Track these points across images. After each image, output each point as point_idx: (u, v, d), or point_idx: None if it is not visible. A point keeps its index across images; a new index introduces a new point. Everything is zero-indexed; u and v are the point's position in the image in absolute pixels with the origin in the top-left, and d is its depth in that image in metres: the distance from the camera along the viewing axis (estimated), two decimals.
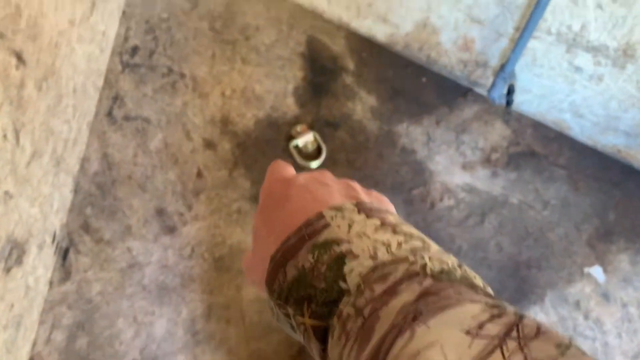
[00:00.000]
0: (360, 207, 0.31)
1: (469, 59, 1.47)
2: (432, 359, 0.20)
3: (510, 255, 1.41)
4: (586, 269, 1.41)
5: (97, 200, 1.41)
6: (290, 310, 0.28)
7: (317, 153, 1.49)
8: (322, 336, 0.27)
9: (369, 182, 1.43)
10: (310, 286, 0.27)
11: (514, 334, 0.21)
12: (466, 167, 1.49)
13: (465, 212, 1.45)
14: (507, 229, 1.43)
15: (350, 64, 1.59)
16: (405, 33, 1.52)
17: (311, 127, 1.50)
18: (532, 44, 1.30)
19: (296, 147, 1.48)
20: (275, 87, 1.55)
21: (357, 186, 0.37)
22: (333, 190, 0.34)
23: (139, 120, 1.50)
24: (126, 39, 1.58)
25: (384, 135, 1.51)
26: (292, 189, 0.35)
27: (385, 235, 0.29)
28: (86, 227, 1.38)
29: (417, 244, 0.29)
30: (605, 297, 1.38)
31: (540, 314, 1.36)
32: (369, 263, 0.26)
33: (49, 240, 1.29)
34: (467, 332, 0.21)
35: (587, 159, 1.51)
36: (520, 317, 0.22)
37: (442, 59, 1.53)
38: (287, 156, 1.47)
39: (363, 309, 0.24)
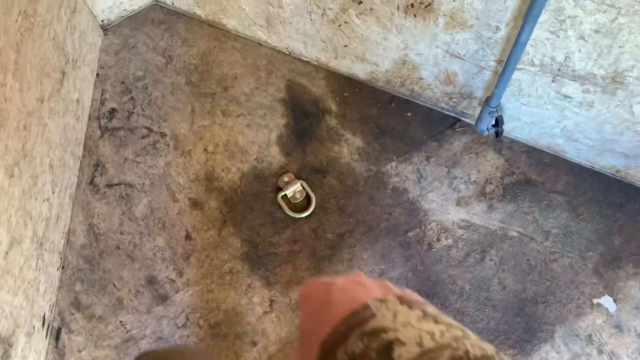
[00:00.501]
0: (402, 300, 0.33)
1: (453, 91, 1.42)
2: None
3: (514, 293, 1.36)
4: (595, 300, 1.35)
5: (86, 275, 1.38)
6: None
7: (306, 202, 1.45)
8: None
9: (363, 228, 1.39)
10: None
11: None
12: (461, 202, 1.44)
13: (464, 250, 1.40)
14: (509, 265, 1.38)
15: (333, 105, 1.54)
16: (385, 70, 1.47)
17: (298, 176, 1.46)
18: (517, 75, 1.26)
19: (284, 197, 1.44)
20: (259, 137, 1.51)
21: (390, 284, 0.39)
22: (371, 288, 0.37)
23: (123, 186, 1.46)
24: (102, 102, 1.55)
25: (373, 177, 1.47)
26: (332, 292, 0.37)
27: (429, 325, 0.31)
28: (77, 304, 1.35)
29: (458, 332, 0.31)
30: (619, 328, 1.33)
31: (552, 353, 1.31)
32: (416, 349, 0.29)
33: (38, 324, 1.26)
34: None
35: (586, 181, 1.45)
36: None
37: (426, 92, 1.49)
38: (276, 209, 1.44)
39: None
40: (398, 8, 1.22)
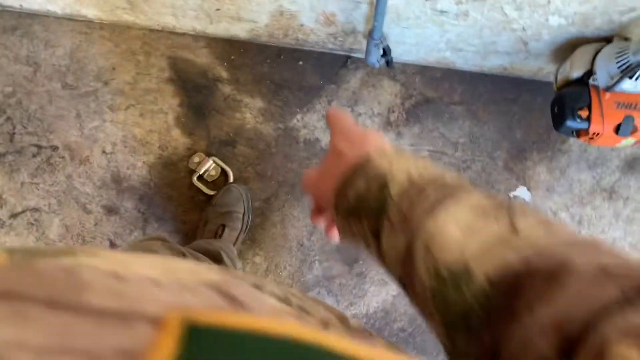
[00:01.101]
0: (398, 151, 0.43)
1: (336, 31, 1.41)
2: (449, 229, 0.32)
3: None
4: (512, 193, 1.45)
5: None
6: (354, 220, 0.40)
7: (224, 177, 1.43)
8: (376, 235, 0.38)
9: (286, 187, 1.39)
10: (365, 203, 0.39)
11: (506, 205, 0.34)
12: None
13: None
14: None
15: (223, 72, 1.50)
16: (264, 25, 1.43)
17: (208, 153, 1.43)
18: (392, 2, 1.26)
19: (200, 178, 1.42)
20: (156, 124, 1.45)
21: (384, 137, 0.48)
22: (373, 139, 0.45)
23: (28, 213, 1.38)
24: None
25: (283, 135, 1.46)
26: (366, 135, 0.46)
27: (416, 163, 0.40)
28: None
29: (438, 170, 0.39)
30: None
31: None
32: (405, 182, 0.38)
33: None
34: (473, 208, 0.33)
35: (479, 86, 1.52)
36: (506, 197, 0.35)
37: (311, 38, 1.47)
38: (196, 192, 1.41)
39: (404, 211, 0.36)
40: None
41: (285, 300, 0.30)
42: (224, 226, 1.29)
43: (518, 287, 0.28)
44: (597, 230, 1.43)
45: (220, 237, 1.28)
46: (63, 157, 1.41)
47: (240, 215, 1.33)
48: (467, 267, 0.30)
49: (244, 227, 1.34)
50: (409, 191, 0.37)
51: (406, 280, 0.36)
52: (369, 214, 0.39)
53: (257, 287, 0.30)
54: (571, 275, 0.26)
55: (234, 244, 1.29)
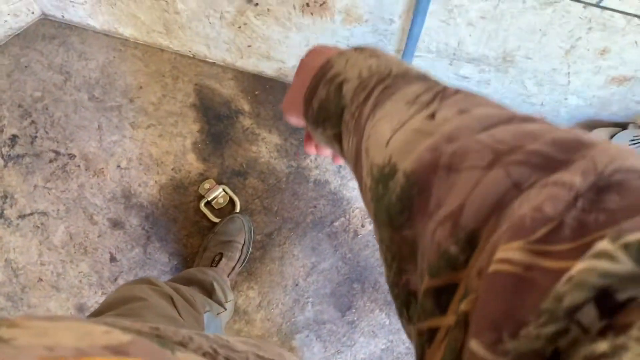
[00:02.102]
0: (358, 49, 0.42)
1: None
2: (382, 127, 0.32)
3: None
4: None
5: (10, 313, 1.33)
6: (320, 128, 0.41)
7: (231, 207, 1.45)
8: (339, 140, 0.40)
9: (290, 225, 1.41)
10: (326, 110, 0.40)
11: (439, 95, 0.31)
12: None
13: None
14: None
15: (245, 105, 1.54)
16: (292, 66, 1.48)
17: (219, 181, 1.46)
18: (417, 62, 1.30)
19: (208, 204, 1.44)
20: (173, 146, 1.49)
21: None
22: (338, 47, 0.46)
23: (36, 215, 1.41)
24: (1, 129, 1.47)
25: (294, 173, 1.49)
26: (313, 56, 0.46)
27: (370, 60, 0.39)
28: None
29: (390, 63, 0.39)
30: None
31: None
32: (357, 81, 0.38)
33: None
34: (407, 102, 0.32)
35: None
36: (445, 87, 0.33)
37: None
38: (201, 217, 1.43)
39: (354, 113, 0.36)
40: (294, 7, 1.22)
41: (211, 355, 0.31)
42: (221, 255, 1.30)
43: (430, 179, 0.26)
44: None
45: (216, 265, 1.28)
46: (78, 166, 1.45)
47: (240, 246, 1.34)
48: (392, 164, 0.29)
49: (242, 259, 1.35)
50: (358, 91, 0.37)
51: (359, 181, 0.36)
52: (331, 118, 0.39)
53: (182, 344, 0.31)
54: (466, 161, 0.24)
55: (229, 274, 1.30)
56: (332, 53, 0.42)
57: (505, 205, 0.21)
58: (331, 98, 0.39)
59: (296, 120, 0.48)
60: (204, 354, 0.31)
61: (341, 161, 0.48)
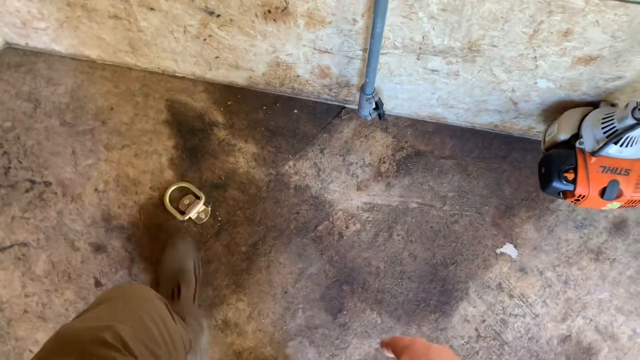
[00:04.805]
0: None
1: (331, 83, 1.45)
2: None
3: (425, 261, 1.43)
4: (498, 250, 1.46)
5: None
6: None
7: (212, 220, 1.44)
8: None
9: (274, 233, 1.40)
10: None
11: None
12: (361, 187, 1.49)
13: (372, 231, 1.45)
14: (415, 235, 1.45)
15: (219, 117, 1.53)
16: (262, 73, 1.47)
17: (198, 196, 1.44)
18: (384, 59, 1.30)
19: (190, 221, 1.43)
20: (149, 165, 1.47)
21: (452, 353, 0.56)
22: (446, 351, 0.54)
23: (16, 247, 1.39)
24: None
25: (274, 180, 1.48)
26: (431, 349, 0.55)
27: None
28: None
29: None
30: (523, 270, 1.44)
31: (469, 308, 1.40)
32: None
33: None
34: None
35: (470, 141, 1.54)
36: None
37: (306, 88, 1.50)
38: (184, 233, 1.42)
39: None
40: (257, 16, 1.22)
41: None
42: (179, 286, 1.25)
43: None
44: (583, 292, 1.42)
45: (178, 297, 1.23)
46: (55, 193, 1.43)
47: (192, 270, 1.30)
48: None
49: (199, 280, 1.32)
50: None
51: None
52: None
53: None
54: None
55: (194, 300, 1.26)
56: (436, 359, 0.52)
57: None
58: None
59: None
60: None
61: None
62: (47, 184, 1.44)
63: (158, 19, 1.30)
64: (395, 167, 1.51)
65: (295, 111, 1.54)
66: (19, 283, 1.36)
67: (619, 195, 1.25)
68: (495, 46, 1.18)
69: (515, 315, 1.40)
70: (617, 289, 1.43)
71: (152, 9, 1.27)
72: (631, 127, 1.15)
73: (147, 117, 1.51)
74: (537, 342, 1.38)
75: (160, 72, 1.55)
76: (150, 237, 1.41)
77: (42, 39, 1.49)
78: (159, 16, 1.29)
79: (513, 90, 1.34)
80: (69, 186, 1.44)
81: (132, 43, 1.43)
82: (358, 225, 1.46)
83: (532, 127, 1.50)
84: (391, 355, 0.61)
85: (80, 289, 1.36)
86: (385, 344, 0.62)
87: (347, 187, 1.49)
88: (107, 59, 1.54)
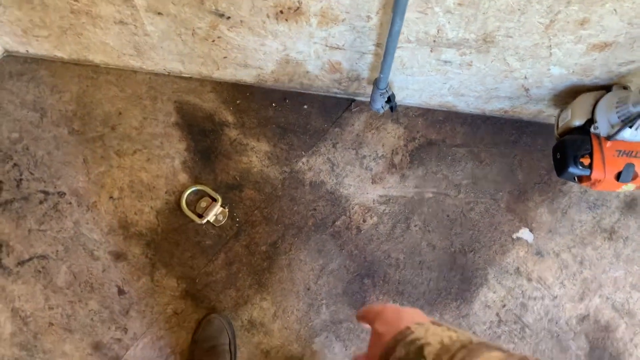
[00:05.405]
0: (434, 322, 0.52)
1: (341, 77, 1.44)
2: None
3: (444, 250, 1.45)
4: (515, 235, 1.48)
5: None
6: None
7: (231, 221, 1.44)
8: None
9: (293, 231, 1.41)
10: None
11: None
12: (376, 179, 1.49)
13: (390, 224, 1.46)
14: (432, 225, 1.47)
15: (229, 116, 1.52)
16: (271, 71, 1.46)
17: (215, 198, 1.44)
18: (398, 53, 1.29)
19: (208, 224, 1.42)
20: (162, 169, 1.46)
21: (422, 313, 0.58)
22: (411, 315, 0.55)
23: (35, 260, 1.38)
24: None
25: (289, 178, 1.48)
26: (389, 314, 0.57)
27: (449, 332, 0.48)
28: None
29: (468, 335, 0.48)
30: (539, 254, 1.46)
31: (489, 294, 1.43)
32: (438, 346, 0.46)
33: None
34: None
35: (480, 128, 1.55)
36: (524, 355, 0.42)
37: (316, 83, 1.49)
38: (202, 237, 1.42)
39: None
40: (268, 16, 1.20)
41: None
42: None
43: None
44: (598, 271, 1.45)
45: None
46: (70, 203, 1.42)
47: (227, 347, 1.28)
48: None
49: (233, 357, 1.31)
50: (440, 354, 0.45)
51: None
52: None
53: None
54: None
55: None
56: (408, 320, 0.52)
57: None
58: (410, 357, 0.47)
59: None
60: None
61: None
62: (61, 194, 1.42)
63: (165, 23, 1.28)
64: (408, 158, 1.51)
65: (305, 106, 1.54)
66: (41, 296, 1.36)
67: (635, 177, 1.26)
68: (511, 37, 1.18)
69: (535, 298, 1.43)
70: (631, 267, 1.46)
71: (159, 13, 1.24)
72: None
73: (156, 120, 1.50)
74: (556, 323, 1.42)
75: (166, 73, 1.53)
76: (169, 242, 1.40)
77: (44, 46, 1.46)
78: (166, 20, 1.26)
79: (525, 78, 1.34)
80: (84, 195, 1.43)
81: (137, 47, 1.40)
82: (375, 219, 1.47)
83: (543, 111, 1.51)
84: (368, 326, 0.61)
85: (103, 298, 1.36)
86: (359, 317, 0.63)
87: (362, 180, 1.49)
88: (112, 63, 1.51)
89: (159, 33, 1.33)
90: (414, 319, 0.53)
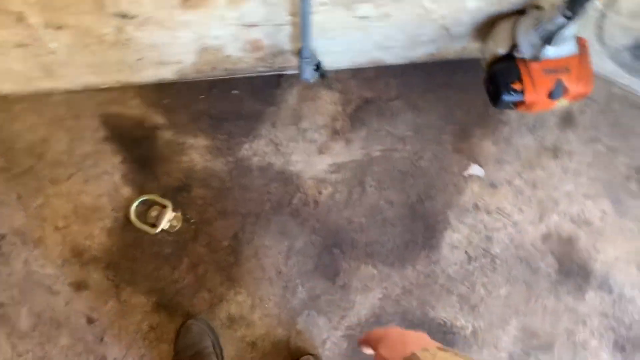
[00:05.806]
0: (440, 348, 0.52)
1: (264, 54, 1.41)
2: None
3: (402, 203, 1.46)
4: (466, 173, 1.50)
5: None
6: None
7: (186, 224, 1.40)
8: None
9: (252, 219, 1.39)
10: None
11: None
12: (322, 150, 1.48)
13: (345, 190, 1.46)
14: (386, 183, 1.47)
15: (159, 118, 1.46)
16: (191, 63, 1.41)
17: (164, 205, 1.40)
18: (315, 18, 1.26)
19: (163, 232, 1.38)
20: (102, 187, 1.40)
21: (428, 337, 0.58)
22: (417, 340, 0.56)
23: None
24: None
25: (235, 167, 1.45)
26: (399, 337, 0.57)
27: (456, 358, 0.50)
28: None
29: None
30: (493, 185, 1.50)
31: (454, 235, 1.45)
32: None
33: None
34: None
35: (412, 77, 1.55)
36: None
37: (240, 65, 1.45)
38: (160, 246, 1.38)
39: None
40: (174, 7, 1.15)
41: None
42: None
43: None
44: (550, 189, 1.50)
45: None
46: (14, 244, 1.35)
47: (211, 349, 1.25)
48: None
49: (220, 358, 1.28)
50: None
51: None
52: None
53: None
54: None
55: None
56: (414, 345, 0.53)
57: None
58: None
59: None
60: None
61: None
62: (2, 236, 1.35)
63: (69, 37, 1.21)
64: (349, 122, 1.50)
65: (235, 92, 1.50)
66: (7, 345, 1.29)
67: (566, 91, 1.30)
68: None
69: (497, 229, 1.46)
70: (579, 178, 1.52)
71: (59, 27, 1.17)
72: (562, 26, 1.19)
73: (84, 139, 1.43)
74: (522, 247, 1.46)
75: (84, 89, 1.46)
76: (128, 259, 1.36)
77: None
78: (69, 33, 1.19)
79: (444, 17, 1.35)
80: (26, 232, 1.36)
81: (45, 67, 1.33)
82: (330, 189, 1.46)
83: (466, 47, 1.53)
84: (370, 351, 0.61)
85: (73, 331, 1.31)
86: (361, 341, 0.63)
87: (309, 154, 1.47)
88: (22, 90, 1.42)
89: (65, 48, 1.25)
90: (420, 344, 0.53)
